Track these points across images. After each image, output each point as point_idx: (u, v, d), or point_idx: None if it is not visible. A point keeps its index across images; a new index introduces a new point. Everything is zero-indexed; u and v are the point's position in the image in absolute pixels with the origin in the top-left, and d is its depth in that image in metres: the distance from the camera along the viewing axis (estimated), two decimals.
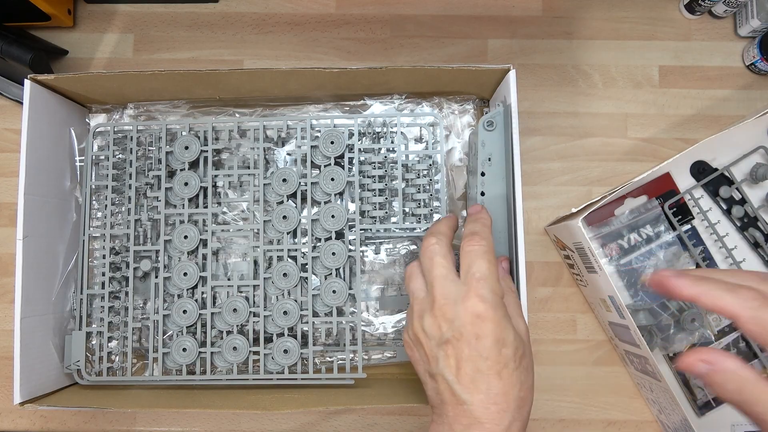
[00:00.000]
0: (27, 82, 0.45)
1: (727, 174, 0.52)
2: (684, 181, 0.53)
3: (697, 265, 0.52)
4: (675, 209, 0.52)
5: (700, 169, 0.52)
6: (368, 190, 0.49)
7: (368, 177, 0.49)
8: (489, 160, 0.46)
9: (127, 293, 0.49)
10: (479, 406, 0.33)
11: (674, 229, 0.52)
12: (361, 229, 0.49)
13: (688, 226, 0.52)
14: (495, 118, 0.46)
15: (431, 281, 0.36)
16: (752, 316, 0.27)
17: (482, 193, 0.46)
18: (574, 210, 0.44)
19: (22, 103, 0.46)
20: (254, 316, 0.48)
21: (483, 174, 0.46)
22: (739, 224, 0.51)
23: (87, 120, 0.54)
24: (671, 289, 0.29)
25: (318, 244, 0.49)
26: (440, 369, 0.34)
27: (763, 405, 0.26)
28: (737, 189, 0.51)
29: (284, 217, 0.49)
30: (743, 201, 0.51)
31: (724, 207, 0.52)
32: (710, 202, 0.52)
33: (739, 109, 0.55)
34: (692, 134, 0.55)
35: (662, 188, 0.52)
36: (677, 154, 0.43)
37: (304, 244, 0.49)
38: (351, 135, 0.50)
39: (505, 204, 0.45)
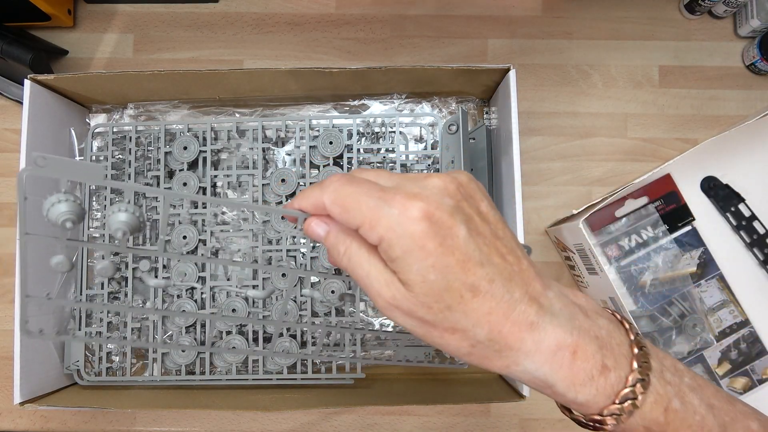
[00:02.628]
0: (27, 82, 0.45)
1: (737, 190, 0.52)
2: (685, 182, 0.53)
3: (698, 266, 0.52)
4: (675, 209, 0.52)
5: (710, 185, 0.52)
6: None
7: None
8: (452, 162, 0.46)
9: (126, 293, 0.49)
10: None
11: (671, 232, 0.52)
12: None
13: (689, 228, 0.52)
14: (456, 121, 0.46)
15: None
16: (333, 199, 0.25)
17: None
18: (575, 211, 0.44)
19: (22, 103, 0.46)
20: (254, 316, 0.48)
21: None
22: (748, 240, 0.51)
23: (87, 120, 0.54)
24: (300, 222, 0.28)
25: (317, 244, 0.49)
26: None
27: (362, 268, 0.26)
28: (747, 206, 0.51)
29: (283, 217, 0.49)
30: (753, 218, 0.51)
31: (734, 222, 0.52)
32: (708, 206, 0.52)
33: (739, 109, 0.55)
34: (692, 134, 0.55)
35: (663, 189, 0.52)
36: (677, 155, 0.43)
37: (303, 244, 0.49)
38: (350, 135, 0.50)
39: None
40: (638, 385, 0.24)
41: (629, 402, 0.24)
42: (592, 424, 0.26)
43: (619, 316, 0.27)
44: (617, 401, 0.24)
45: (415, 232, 0.23)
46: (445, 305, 0.24)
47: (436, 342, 0.26)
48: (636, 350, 0.25)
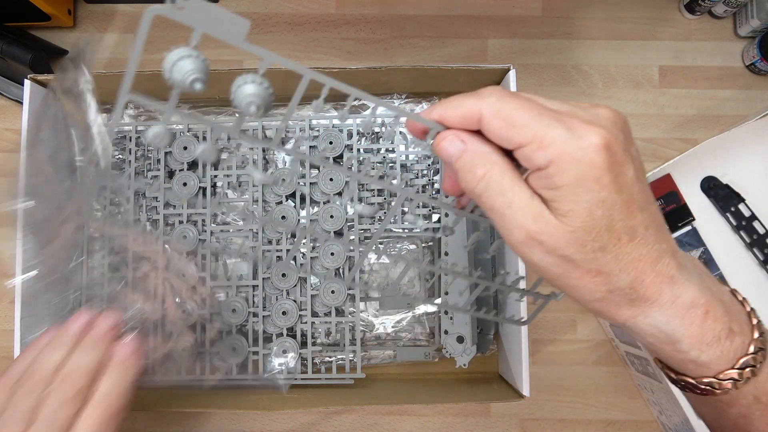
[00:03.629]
0: (27, 82, 0.45)
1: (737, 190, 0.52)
2: (685, 182, 0.53)
3: None
4: (675, 209, 0.52)
5: (710, 185, 0.52)
6: (367, 190, 0.49)
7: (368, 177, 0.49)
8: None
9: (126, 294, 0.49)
10: None
11: (672, 232, 0.52)
12: (360, 229, 0.49)
13: (689, 228, 0.52)
14: None
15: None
16: (497, 110, 0.23)
17: (446, 195, 0.46)
18: None
19: (22, 103, 0.46)
20: (253, 316, 0.48)
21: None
22: (748, 241, 0.51)
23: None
24: (421, 124, 0.26)
25: (317, 244, 0.49)
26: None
27: (503, 197, 0.23)
28: (747, 206, 0.51)
29: (283, 217, 0.49)
30: (753, 218, 0.51)
31: (734, 222, 0.52)
32: (708, 206, 0.52)
33: (739, 109, 0.55)
34: (692, 134, 0.55)
35: (663, 189, 0.52)
36: (677, 155, 0.43)
37: (303, 244, 0.49)
38: (350, 135, 0.50)
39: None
40: (759, 353, 0.24)
41: (749, 369, 0.24)
42: (703, 387, 0.25)
43: (730, 288, 0.27)
44: (737, 366, 0.24)
45: (595, 160, 0.22)
46: (600, 245, 0.23)
47: (571, 284, 0.24)
48: (755, 320, 0.25)
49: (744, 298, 0.27)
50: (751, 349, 0.24)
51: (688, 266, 0.25)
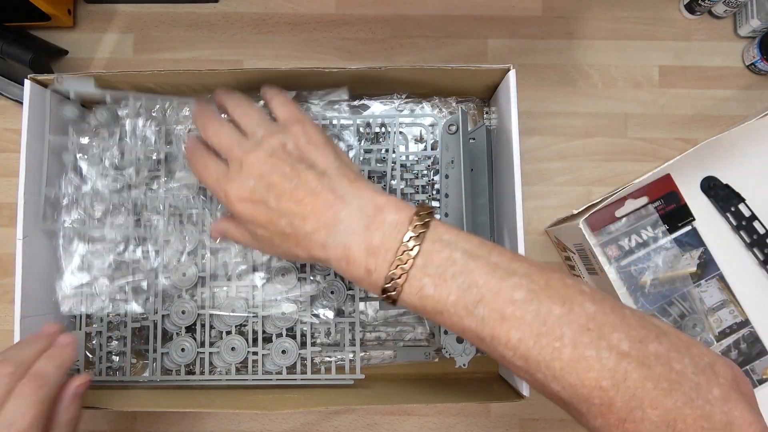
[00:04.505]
0: (27, 82, 0.45)
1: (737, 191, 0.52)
2: (684, 182, 0.53)
3: (698, 266, 0.52)
4: (675, 209, 0.52)
5: (710, 185, 0.52)
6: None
7: (368, 177, 0.49)
8: (452, 162, 0.46)
9: (126, 292, 0.49)
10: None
11: (671, 232, 0.52)
12: None
13: (689, 228, 0.52)
14: (456, 121, 0.46)
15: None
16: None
17: (446, 195, 0.46)
18: (575, 211, 0.44)
19: (22, 103, 0.46)
20: (253, 316, 0.48)
21: (447, 176, 0.46)
22: (748, 241, 0.51)
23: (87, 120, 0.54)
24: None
25: None
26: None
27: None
28: (747, 206, 0.51)
29: None
30: (753, 218, 0.51)
31: (734, 222, 0.52)
32: (708, 206, 0.52)
33: (739, 109, 0.55)
34: (692, 134, 0.55)
35: (663, 189, 0.52)
36: (677, 155, 0.43)
37: None
38: (351, 135, 0.50)
39: (463, 205, 0.45)
40: (400, 278, 0.31)
41: (392, 293, 0.32)
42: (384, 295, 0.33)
43: (412, 215, 0.33)
44: (384, 295, 0.32)
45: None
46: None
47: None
48: (405, 248, 0.31)
49: (418, 215, 0.33)
50: (387, 284, 0.32)
51: (336, 223, 0.33)
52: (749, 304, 0.51)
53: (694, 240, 0.52)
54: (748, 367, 0.51)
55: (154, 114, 0.50)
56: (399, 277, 0.31)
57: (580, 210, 0.44)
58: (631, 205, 0.52)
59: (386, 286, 0.32)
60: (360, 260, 0.32)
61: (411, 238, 0.31)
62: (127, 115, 0.51)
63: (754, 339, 0.51)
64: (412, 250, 0.31)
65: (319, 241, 0.34)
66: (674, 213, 0.52)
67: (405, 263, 0.31)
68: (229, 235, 0.40)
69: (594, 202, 0.43)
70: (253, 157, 0.35)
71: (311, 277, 0.49)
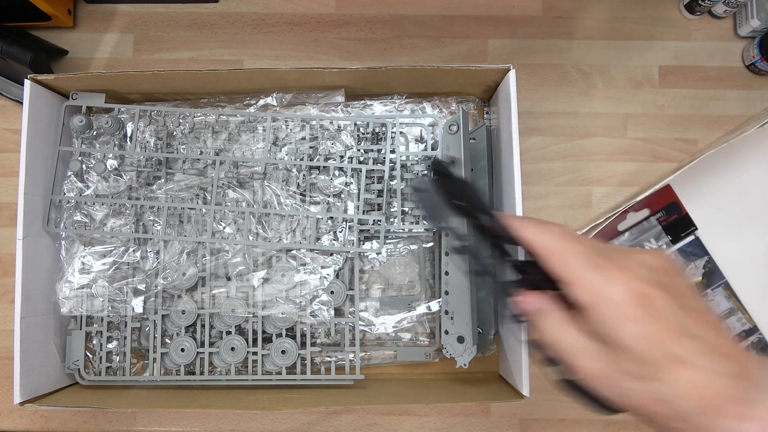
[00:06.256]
0: (27, 82, 0.45)
1: None
2: (686, 192, 0.52)
3: (703, 276, 0.51)
4: (677, 220, 0.52)
5: None
6: (367, 191, 0.49)
7: (367, 177, 0.49)
8: (453, 162, 0.46)
9: (126, 293, 0.49)
10: None
11: (674, 243, 0.51)
12: (360, 230, 0.49)
13: (692, 237, 0.52)
14: (457, 121, 0.46)
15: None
16: (553, 248, 0.28)
17: None
18: (579, 232, 0.44)
19: (22, 103, 0.46)
20: (253, 316, 0.48)
21: None
22: None
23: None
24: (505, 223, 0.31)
25: (316, 243, 0.49)
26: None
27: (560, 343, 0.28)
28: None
29: (283, 217, 0.49)
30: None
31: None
32: (710, 214, 0.52)
33: (739, 109, 0.55)
34: (692, 134, 0.55)
35: (664, 200, 0.52)
36: (677, 155, 0.43)
37: (301, 243, 0.49)
38: (351, 135, 0.50)
39: None
40: None
41: None
42: None
43: None
44: None
45: (623, 301, 0.26)
46: (650, 373, 0.25)
47: (647, 411, 0.26)
48: None
49: None
50: None
51: (758, 382, 0.25)
52: (757, 311, 0.51)
53: (698, 249, 0.52)
54: None
55: (154, 117, 0.51)
56: None
57: (584, 231, 0.43)
58: (633, 218, 0.52)
59: None
60: None
61: None
62: (128, 119, 0.51)
63: (763, 345, 0.51)
64: None
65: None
66: (676, 223, 0.52)
67: None
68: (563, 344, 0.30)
69: (596, 222, 0.43)
70: None
71: (311, 277, 0.49)
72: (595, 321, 0.26)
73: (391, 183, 0.49)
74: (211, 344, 0.49)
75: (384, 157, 0.49)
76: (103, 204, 0.49)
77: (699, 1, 0.53)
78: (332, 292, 0.48)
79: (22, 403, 0.43)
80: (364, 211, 0.49)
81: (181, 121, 0.51)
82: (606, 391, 0.27)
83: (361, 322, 0.50)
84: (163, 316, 0.49)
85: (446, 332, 0.45)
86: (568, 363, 0.28)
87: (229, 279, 0.49)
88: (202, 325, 0.49)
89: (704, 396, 0.24)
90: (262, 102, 0.51)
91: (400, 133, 0.51)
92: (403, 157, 0.50)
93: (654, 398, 0.25)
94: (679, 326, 0.25)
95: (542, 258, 0.29)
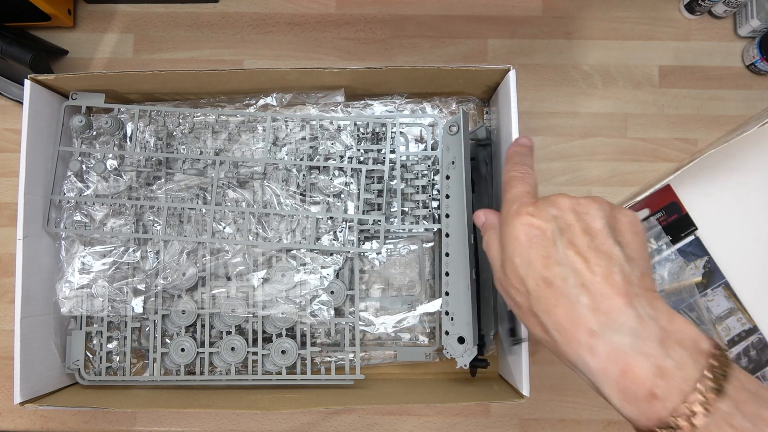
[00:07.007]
0: (27, 82, 0.45)
1: None
2: (686, 192, 0.52)
3: (703, 276, 0.51)
4: (677, 219, 0.51)
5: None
6: (367, 191, 0.49)
7: (367, 177, 0.49)
8: (453, 163, 0.46)
9: (126, 293, 0.49)
10: None
11: (674, 243, 0.51)
12: (360, 230, 0.49)
13: (692, 237, 0.52)
14: (457, 122, 0.46)
15: None
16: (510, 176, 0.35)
17: (447, 196, 0.46)
18: None
19: (22, 103, 0.46)
20: (253, 316, 0.48)
21: (447, 177, 0.46)
22: None
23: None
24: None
25: (316, 243, 0.49)
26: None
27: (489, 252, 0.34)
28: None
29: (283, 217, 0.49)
30: None
31: None
32: (711, 213, 0.52)
33: (739, 109, 0.55)
34: (692, 134, 0.55)
35: (664, 200, 0.52)
36: (677, 155, 0.43)
37: (301, 243, 0.49)
38: (351, 135, 0.50)
39: (464, 206, 0.45)
40: (696, 417, 0.24)
41: (678, 428, 0.25)
42: None
43: (710, 349, 0.26)
44: (658, 427, 0.25)
45: (517, 229, 0.31)
46: (525, 290, 0.30)
47: (527, 325, 0.31)
48: (702, 390, 0.25)
49: (716, 363, 0.25)
50: (671, 421, 0.25)
51: (626, 325, 0.27)
52: (757, 311, 0.51)
53: (698, 249, 0.52)
54: (759, 373, 0.51)
55: (154, 117, 0.51)
56: (694, 416, 0.24)
57: None
58: None
59: (672, 418, 0.25)
60: (644, 378, 0.26)
61: (714, 375, 0.25)
62: (128, 119, 0.51)
63: (763, 345, 0.51)
64: (717, 387, 0.25)
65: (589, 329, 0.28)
66: (676, 223, 0.52)
67: (708, 401, 0.25)
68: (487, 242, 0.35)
69: None
70: None
71: (311, 277, 0.49)
72: (502, 238, 0.32)
73: (391, 183, 0.49)
74: (211, 344, 0.49)
75: (384, 157, 0.49)
76: (103, 204, 0.49)
77: (699, 1, 0.53)
78: (332, 292, 0.48)
79: (22, 403, 0.43)
80: (364, 211, 0.49)
81: (181, 121, 0.51)
82: (506, 301, 0.32)
83: (361, 322, 0.50)
84: (163, 316, 0.49)
85: (446, 333, 0.45)
86: (492, 268, 0.33)
87: (229, 279, 0.49)
88: (202, 325, 0.49)
89: (558, 315, 0.28)
90: (262, 102, 0.51)
91: (400, 133, 0.51)
92: (403, 157, 0.50)
93: (529, 311, 0.30)
94: (561, 256, 0.29)
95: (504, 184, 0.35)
